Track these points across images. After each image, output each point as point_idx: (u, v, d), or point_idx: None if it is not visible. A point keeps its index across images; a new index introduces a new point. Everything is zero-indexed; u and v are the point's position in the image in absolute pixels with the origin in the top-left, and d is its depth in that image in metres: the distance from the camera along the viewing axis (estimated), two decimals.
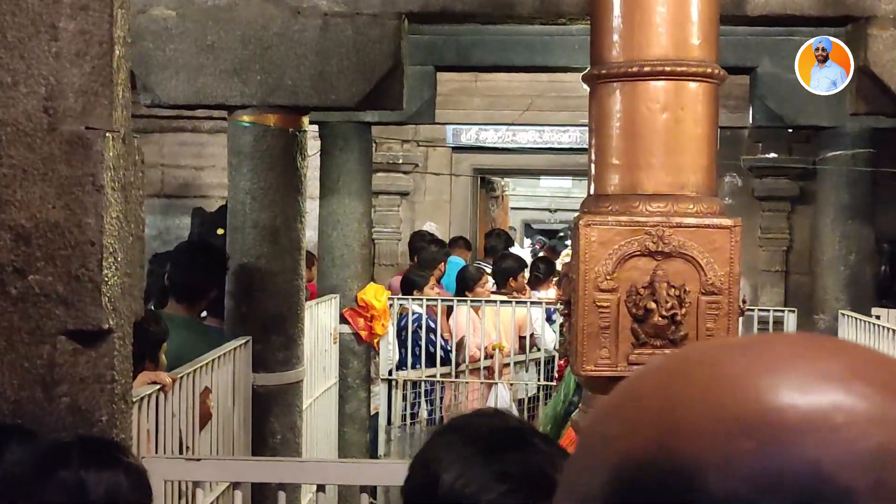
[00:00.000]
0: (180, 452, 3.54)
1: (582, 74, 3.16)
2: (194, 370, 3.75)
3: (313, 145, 6.19)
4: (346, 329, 6.86)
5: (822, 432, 0.44)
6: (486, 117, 9.78)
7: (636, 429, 0.48)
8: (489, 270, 8.36)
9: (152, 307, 4.65)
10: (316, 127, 6.73)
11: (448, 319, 7.57)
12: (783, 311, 7.49)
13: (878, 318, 6.27)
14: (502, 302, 7.51)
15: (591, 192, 3.11)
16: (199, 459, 3.26)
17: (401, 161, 10.01)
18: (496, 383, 7.43)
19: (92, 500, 1.87)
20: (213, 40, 4.49)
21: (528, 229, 21.21)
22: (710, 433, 0.45)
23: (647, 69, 2.93)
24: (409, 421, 7.34)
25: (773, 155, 9.31)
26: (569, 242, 12.01)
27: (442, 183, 10.35)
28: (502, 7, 4.61)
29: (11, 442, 2.13)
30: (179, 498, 3.43)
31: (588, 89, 3.12)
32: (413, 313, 7.27)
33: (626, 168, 2.99)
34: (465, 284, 7.74)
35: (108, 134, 2.31)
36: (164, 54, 4.51)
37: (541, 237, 20.38)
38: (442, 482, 1.25)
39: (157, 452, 3.27)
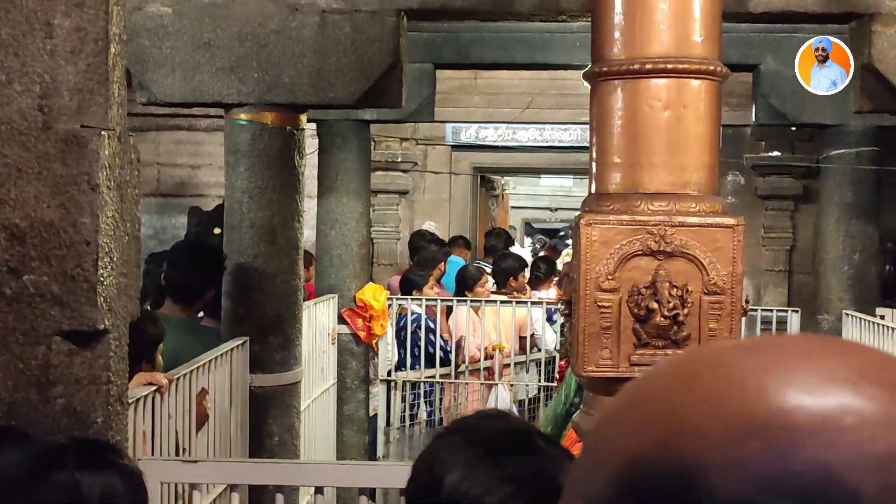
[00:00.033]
0: (177, 454, 3.55)
1: (583, 72, 3.16)
2: (191, 371, 3.75)
3: (311, 143, 6.19)
4: (344, 329, 6.86)
5: (831, 434, 0.44)
6: (485, 115, 9.77)
7: (642, 430, 0.48)
8: (489, 270, 8.36)
9: (148, 307, 4.66)
10: (314, 125, 6.72)
11: (448, 320, 7.57)
12: (786, 311, 7.49)
13: (882, 317, 6.27)
14: (502, 302, 7.51)
15: (593, 190, 3.11)
16: (195, 461, 3.26)
17: (400, 159, 10.01)
18: (496, 384, 7.43)
19: (87, 502, 1.87)
20: (209, 38, 4.49)
21: (529, 228, 21.21)
22: (717, 434, 0.45)
23: (648, 66, 2.92)
24: (408, 422, 7.34)
25: (776, 153, 9.31)
26: (570, 242, 12.01)
27: (441, 182, 10.35)
28: (502, 4, 4.61)
29: (5, 444, 2.13)
30: (176, 500, 3.43)
31: (589, 87, 3.12)
32: (412, 313, 7.27)
33: (628, 167, 2.99)
34: (465, 284, 7.74)
35: (103, 132, 2.31)
36: (160, 52, 4.51)
37: (541, 236, 20.37)
38: (445, 484, 1.25)
39: (153, 454, 3.27)
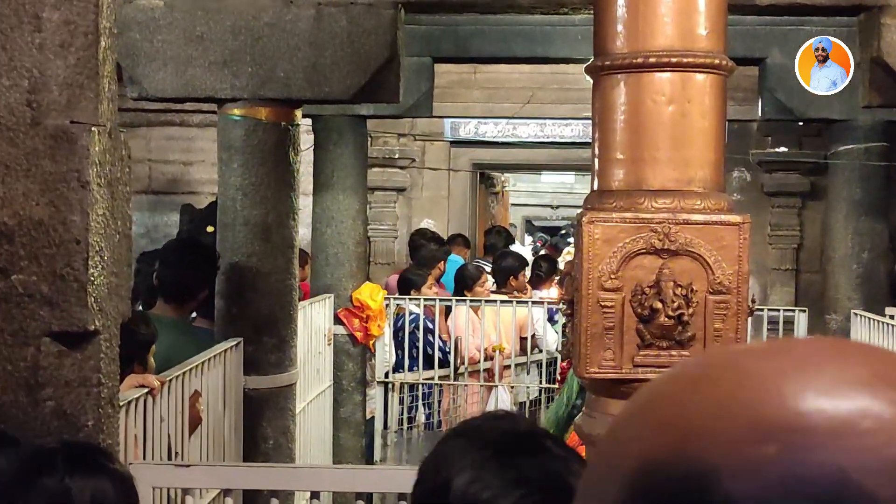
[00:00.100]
0: (169, 458, 3.55)
1: (585, 66, 3.16)
2: (183, 373, 3.76)
3: (306, 139, 6.18)
4: (340, 330, 6.86)
5: (848, 438, 0.44)
6: (485, 110, 9.78)
7: (656, 433, 0.48)
8: (489, 269, 8.36)
9: (140, 308, 4.66)
10: (309, 120, 6.73)
11: (446, 320, 7.57)
12: (794, 310, 7.50)
13: (892, 317, 6.27)
14: (502, 302, 7.51)
15: (595, 187, 3.11)
16: (188, 466, 3.26)
17: (397, 156, 10.02)
18: (496, 386, 7.44)
19: None
20: (202, 31, 4.49)
21: (529, 226, 21.21)
22: (732, 437, 0.45)
23: (652, 60, 2.92)
24: (406, 425, 7.34)
25: (782, 149, 9.32)
26: (571, 240, 12.02)
27: (440, 178, 10.35)
28: None
29: None
30: None
31: (591, 81, 3.12)
32: (410, 313, 7.28)
33: (631, 163, 2.99)
34: (464, 283, 7.74)
35: (93, 128, 2.31)
36: (151, 45, 4.51)
37: (542, 234, 20.38)
38: (454, 487, 1.26)
39: (144, 458, 3.27)
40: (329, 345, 6.74)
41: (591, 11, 3.20)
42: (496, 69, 9.14)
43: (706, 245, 2.93)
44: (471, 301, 7.43)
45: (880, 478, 0.43)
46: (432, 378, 7.35)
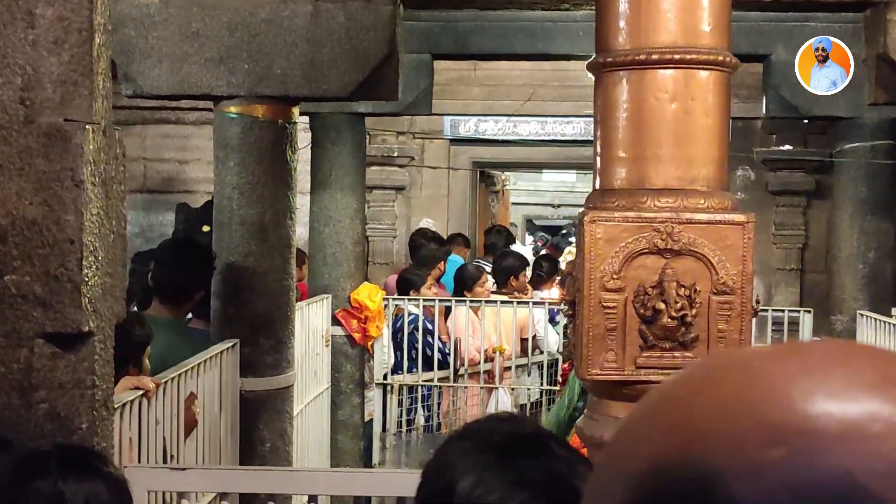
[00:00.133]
0: (164, 461, 3.55)
1: (586, 63, 3.16)
2: (179, 375, 3.76)
3: (304, 138, 6.18)
4: (338, 331, 6.86)
5: (857, 441, 0.44)
6: (485, 108, 9.78)
7: (664, 435, 0.48)
8: (489, 269, 8.36)
9: (135, 308, 4.66)
10: (306, 118, 6.72)
11: (446, 321, 7.57)
12: (798, 311, 7.50)
13: None
14: (503, 302, 7.51)
15: (597, 186, 3.11)
16: (184, 469, 3.25)
17: (396, 154, 10.02)
18: (497, 388, 7.44)
19: None
20: (198, 27, 4.49)
21: (530, 226, 21.21)
22: (739, 439, 0.45)
23: (655, 57, 2.92)
24: (405, 428, 7.34)
25: (787, 147, 9.32)
26: (573, 239, 12.02)
27: (439, 177, 10.35)
28: None
29: None
30: None
31: (593, 78, 3.12)
32: (409, 314, 7.28)
33: (634, 161, 2.99)
34: (464, 284, 7.74)
35: (87, 126, 2.31)
36: (146, 42, 4.50)
37: (543, 234, 20.38)
38: (458, 489, 1.26)
39: (139, 462, 3.27)
40: (327, 346, 6.74)
41: (593, 7, 3.20)
42: (496, 66, 9.14)
43: (710, 245, 2.93)
44: (471, 302, 7.43)
45: (889, 482, 0.43)
46: (432, 380, 7.35)
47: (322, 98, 4.79)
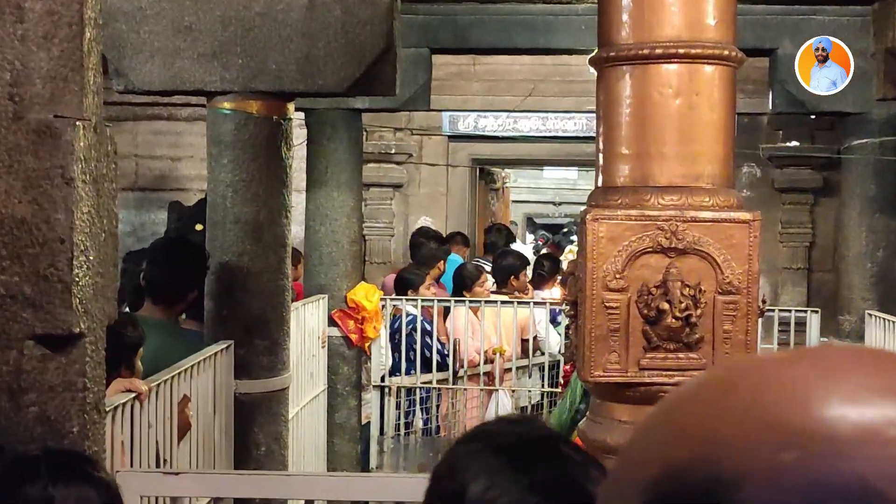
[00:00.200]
0: (157, 466, 3.55)
1: (589, 57, 3.16)
2: (172, 377, 3.76)
3: (299, 134, 6.18)
4: (335, 332, 6.86)
5: (873, 446, 0.44)
6: (485, 103, 9.78)
7: (678, 439, 0.49)
8: (489, 268, 8.37)
9: (126, 309, 4.65)
10: (302, 114, 6.72)
11: (445, 321, 7.57)
12: (806, 311, 7.50)
13: None
14: (503, 302, 7.51)
15: (599, 183, 3.12)
16: (177, 473, 3.26)
17: (393, 151, 10.02)
18: (497, 390, 7.44)
19: None
20: (190, 21, 4.49)
21: (531, 224, 21.22)
22: (754, 443, 0.46)
23: (658, 51, 2.93)
24: (403, 431, 7.35)
25: (794, 143, 9.32)
26: (574, 238, 12.02)
27: (438, 174, 10.35)
28: None
29: None
30: None
31: (595, 73, 3.13)
32: (407, 315, 7.28)
33: (637, 158, 3.00)
34: (463, 283, 7.74)
35: (78, 122, 2.31)
36: (138, 36, 4.50)
37: (544, 232, 20.38)
38: (469, 493, 1.27)
39: (132, 466, 3.27)
40: (323, 347, 6.74)
41: (596, 0, 3.21)
42: (496, 60, 9.15)
43: (715, 243, 2.93)
44: (470, 302, 7.44)
45: None
46: (430, 382, 7.36)
47: (318, 93, 4.79)
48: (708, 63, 2.95)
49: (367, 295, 6.90)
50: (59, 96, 2.30)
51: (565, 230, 19.73)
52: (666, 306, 2.90)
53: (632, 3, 2.96)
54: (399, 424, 7.31)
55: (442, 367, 7.36)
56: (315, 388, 6.58)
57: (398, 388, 7.27)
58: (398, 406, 7.29)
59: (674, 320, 2.90)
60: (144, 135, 9.72)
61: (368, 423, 7.30)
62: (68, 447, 2.30)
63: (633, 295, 2.94)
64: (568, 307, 3.21)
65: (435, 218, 10.18)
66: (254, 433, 4.79)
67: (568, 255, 11.71)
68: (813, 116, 8.03)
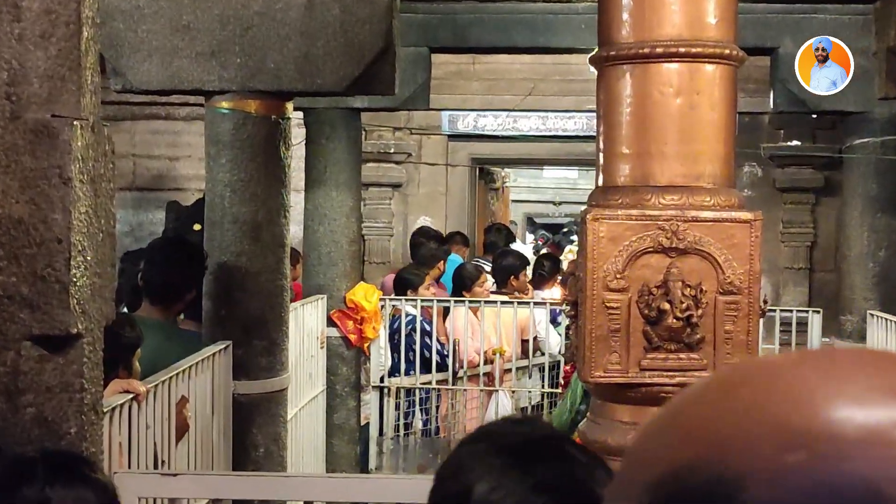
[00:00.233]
0: (155, 467, 3.54)
1: (589, 56, 3.16)
2: (170, 378, 3.75)
3: (298, 133, 6.18)
4: (333, 332, 6.86)
5: (878, 448, 0.44)
6: (484, 103, 9.78)
7: (683, 440, 0.49)
8: (488, 268, 8.36)
9: (124, 309, 4.65)
10: (300, 113, 6.73)
11: (444, 321, 7.57)
12: (807, 311, 7.50)
13: None
14: (503, 302, 7.51)
15: (600, 183, 3.12)
16: (175, 475, 3.26)
17: (392, 150, 10.01)
18: (497, 390, 7.44)
19: None
20: (188, 20, 4.49)
21: (531, 224, 21.23)
22: (759, 444, 0.46)
23: (659, 50, 2.93)
24: (402, 432, 7.34)
25: (795, 143, 9.32)
26: (575, 238, 12.02)
27: (437, 174, 10.35)
28: None
29: None
30: None
31: (595, 72, 3.13)
32: (406, 315, 7.27)
33: (637, 157, 3.00)
34: (463, 284, 7.74)
35: (75, 122, 2.31)
36: (135, 35, 4.50)
37: (544, 232, 20.39)
38: (475, 494, 1.27)
39: (129, 467, 3.26)
40: (322, 348, 6.74)
41: None
42: (496, 59, 9.15)
43: (716, 243, 2.93)
44: (470, 302, 7.43)
45: None
46: (430, 382, 7.36)
47: (316, 93, 4.79)
48: (709, 62, 2.95)
49: (366, 295, 6.90)
50: (57, 96, 2.30)
51: (565, 230, 19.74)
52: (667, 306, 2.90)
53: (632, 2, 2.96)
54: (398, 425, 7.31)
55: (441, 367, 7.36)
56: (314, 389, 6.58)
57: (397, 389, 7.27)
58: (397, 407, 7.29)
59: (675, 321, 2.90)
60: (142, 134, 9.72)
61: (367, 423, 7.30)
62: (66, 448, 2.30)
63: (634, 295, 2.94)
64: (568, 307, 3.22)
65: (434, 218, 10.18)
66: (252, 434, 4.79)
67: (568, 255, 11.70)
68: (814, 115, 8.03)
